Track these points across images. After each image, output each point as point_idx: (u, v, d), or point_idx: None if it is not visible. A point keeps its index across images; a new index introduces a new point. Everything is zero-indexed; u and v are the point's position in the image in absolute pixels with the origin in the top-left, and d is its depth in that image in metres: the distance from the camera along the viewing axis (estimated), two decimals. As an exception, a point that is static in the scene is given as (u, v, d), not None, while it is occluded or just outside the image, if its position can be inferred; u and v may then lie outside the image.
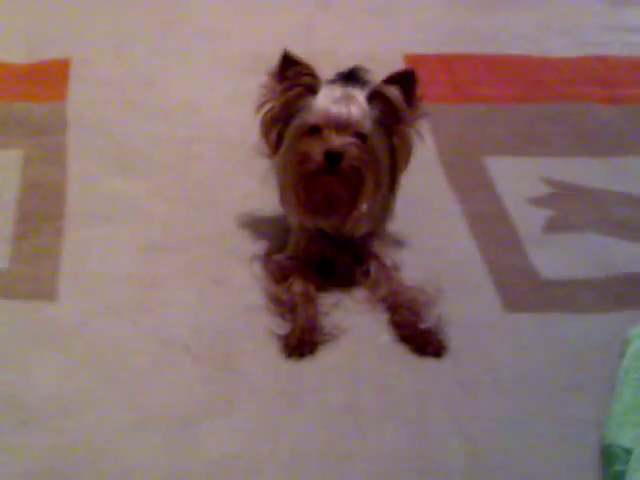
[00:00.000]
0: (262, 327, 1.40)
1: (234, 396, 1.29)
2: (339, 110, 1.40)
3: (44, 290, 1.43)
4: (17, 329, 1.37)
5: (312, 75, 1.44)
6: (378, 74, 1.95)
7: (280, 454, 1.22)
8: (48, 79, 1.95)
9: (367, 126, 1.42)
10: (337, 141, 1.39)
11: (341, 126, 1.40)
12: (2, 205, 1.61)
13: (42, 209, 1.60)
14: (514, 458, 1.25)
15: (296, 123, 1.42)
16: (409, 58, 2.06)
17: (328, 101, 1.42)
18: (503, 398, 1.34)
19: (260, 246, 1.54)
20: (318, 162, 1.39)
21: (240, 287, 1.48)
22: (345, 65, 1.71)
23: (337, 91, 1.44)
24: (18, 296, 1.42)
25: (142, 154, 1.75)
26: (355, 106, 1.42)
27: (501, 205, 1.69)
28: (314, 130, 1.41)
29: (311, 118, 1.41)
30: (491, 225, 1.65)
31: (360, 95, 1.44)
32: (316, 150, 1.39)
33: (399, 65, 2.00)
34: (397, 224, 1.61)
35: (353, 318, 1.44)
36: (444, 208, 1.70)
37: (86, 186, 1.66)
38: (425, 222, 1.66)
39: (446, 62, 2.08)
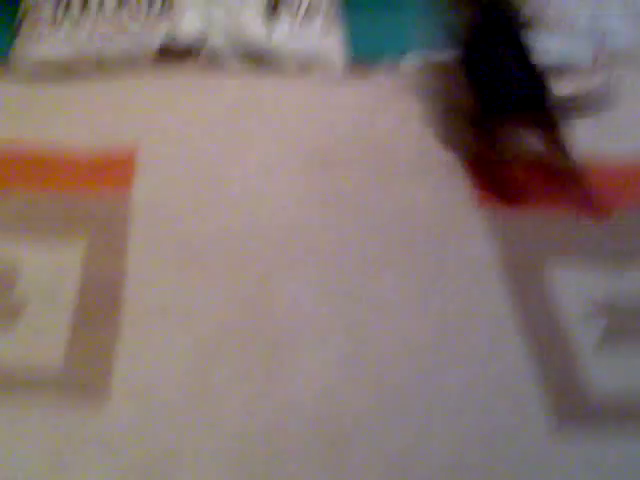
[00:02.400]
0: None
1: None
2: None
3: (97, 391, 1.46)
4: (68, 431, 1.39)
5: None
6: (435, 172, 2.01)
7: None
8: (114, 169, 1.98)
9: None
10: None
11: None
12: (62, 299, 1.64)
13: (100, 304, 1.63)
14: None
15: None
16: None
17: None
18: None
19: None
20: None
21: (291, 400, 1.48)
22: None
23: None
24: (71, 397, 1.45)
25: (201, 249, 1.77)
26: None
27: (557, 315, 1.68)
28: None
29: None
30: (543, 328, 1.65)
31: None
32: None
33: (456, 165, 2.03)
34: (446, 326, 1.63)
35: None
36: (498, 313, 1.70)
37: (145, 281, 1.68)
38: (479, 325, 1.67)
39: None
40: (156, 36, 2.32)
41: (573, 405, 1.52)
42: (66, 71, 2.27)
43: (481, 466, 1.43)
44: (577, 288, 1.76)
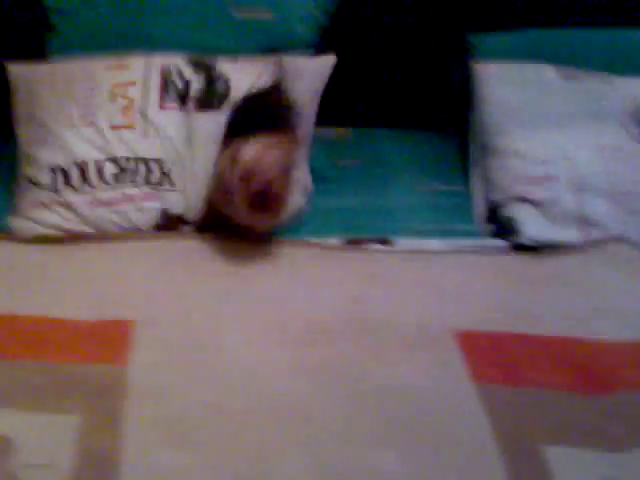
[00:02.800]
0: None
1: None
2: None
3: None
4: None
5: None
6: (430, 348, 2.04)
7: None
8: (110, 340, 1.99)
9: None
10: None
11: None
12: (57, 474, 1.61)
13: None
14: None
15: None
16: (458, 334, 2.09)
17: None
18: None
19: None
20: None
21: None
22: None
23: None
24: None
25: (197, 425, 1.75)
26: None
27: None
28: None
29: None
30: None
31: None
32: None
33: (449, 341, 2.06)
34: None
35: None
36: None
37: (140, 458, 1.66)
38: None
39: (497, 342, 2.09)
40: (157, 209, 2.38)
41: None
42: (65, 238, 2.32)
43: None
44: (575, 469, 1.74)
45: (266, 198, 2.19)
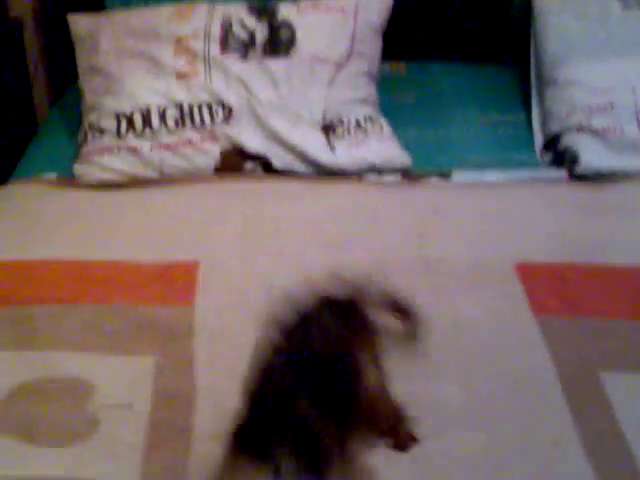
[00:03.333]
0: None
1: None
2: None
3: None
4: None
5: None
6: (490, 282, 2.06)
7: None
8: (176, 282, 2.05)
9: None
10: None
11: None
12: (136, 414, 1.69)
13: (172, 421, 1.68)
14: None
15: None
16: (519, 267, 2.12)
17: None
18: None
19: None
20: None
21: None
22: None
23: None
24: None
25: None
26: None
27: (618, 425, 1.70)
28: None
29: None
30: (607, 446, 1.67)
31: None
32: None
33: (510, 274, 2.09)
34: (508, 436, 1.66)
35: None
36: (558, 425, 1.72)
37: (213, 401, 1.72)
38: (537, 437, 1.68)
39: (557, 272, 2.12)
40: (214, 155, 2.42)
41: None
42: (129, 185, 2.38)
43: None
44: (634, 395, 1.78)
45: None
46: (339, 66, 2.53)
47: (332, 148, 2.45)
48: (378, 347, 1.65)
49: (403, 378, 1.74)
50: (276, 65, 2.49)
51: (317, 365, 1.47)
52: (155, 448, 1.62)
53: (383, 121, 2.54)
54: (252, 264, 2.12)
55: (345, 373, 1.52)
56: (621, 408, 1.74)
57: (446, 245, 2.21)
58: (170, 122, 2.42)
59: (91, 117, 2.48)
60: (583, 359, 1.87)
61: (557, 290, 2.06)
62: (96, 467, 1.59)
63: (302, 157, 2.44)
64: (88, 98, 2.51)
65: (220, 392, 1.73)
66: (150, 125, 2.41)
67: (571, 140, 2.54)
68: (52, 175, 2.46)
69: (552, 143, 2.59)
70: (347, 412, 1.49)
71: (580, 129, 2.54)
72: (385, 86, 2.71)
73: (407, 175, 2.47)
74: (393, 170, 2.46)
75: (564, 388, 1.79)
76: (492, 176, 2.49)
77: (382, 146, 2.48)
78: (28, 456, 1.61)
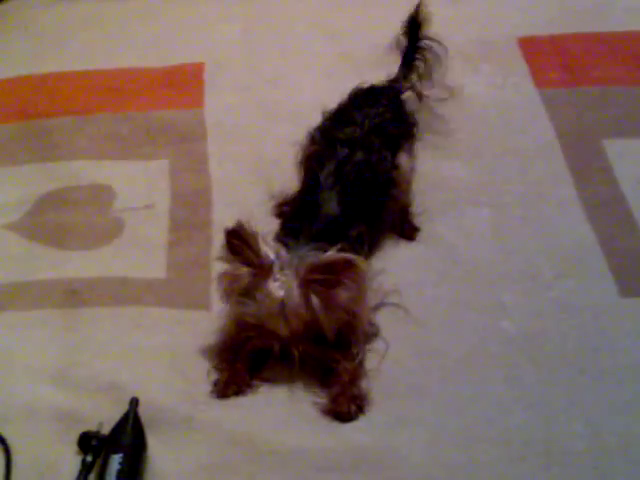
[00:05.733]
0: None
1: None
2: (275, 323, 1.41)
3: (198, 300, 1.60)
4: (176, 337, 1.54)
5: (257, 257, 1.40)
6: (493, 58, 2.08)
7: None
8: (184, 85, 2.09)
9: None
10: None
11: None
12: (157, 214, 1.77)
13: (192, 218, 1.76)
14: (635, 438, 1.37)
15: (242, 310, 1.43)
16: (522, 41, 2.13)
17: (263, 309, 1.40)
18: (623, 382, 1.45)
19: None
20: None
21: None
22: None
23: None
24: (177, 306, 1.59)
25: (274, 160, 1.87)
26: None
27: (618, 188, 1.78)
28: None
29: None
30: (607, 209, 1.74)
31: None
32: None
33: (512, 49, 2.10)
34: (514, 207, 1.75)
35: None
36: (560, 191, 1.79)
37: (229, 193, 1.80)
38: (541, 205, 1.77)
39: (558, 44, 2.14)
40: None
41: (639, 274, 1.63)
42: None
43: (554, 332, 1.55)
44: (632, 158, 1.84)
45: None
46: None
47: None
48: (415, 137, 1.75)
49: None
50: None
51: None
52: (178, 243, 1.71)
53: None
54: (257, 60, 2.15)
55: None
56: (621, 171, 1.81)
57: (448, 24, 2.15)
58: None
59: None
60: (585, 128, 1.93)
61: (559, 62, 2.09)
62: (125, 264, 1.68)
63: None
64: None
65: (235, 185, 1.82)
66: None
67: None
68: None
69: None
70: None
71: None
72: None
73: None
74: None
75: (567, 156, 1.86)
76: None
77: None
78: (60, 260, 1.70)
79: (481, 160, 1.88)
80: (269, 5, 2.31)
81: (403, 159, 1.69)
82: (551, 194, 1.80)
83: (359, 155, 1.61)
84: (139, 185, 1.85)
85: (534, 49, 2.12)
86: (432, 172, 1.83)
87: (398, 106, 1.77)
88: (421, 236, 1.72)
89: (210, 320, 1.55)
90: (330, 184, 1.58)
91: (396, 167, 1.67)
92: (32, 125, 1.99)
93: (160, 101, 2.05)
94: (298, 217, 1.58)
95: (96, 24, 2.28)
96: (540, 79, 2.04)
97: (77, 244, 1.73)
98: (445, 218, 1.75)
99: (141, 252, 1.71)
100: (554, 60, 2.09)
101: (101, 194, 1.83)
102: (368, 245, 1.58)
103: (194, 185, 1.84)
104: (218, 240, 1.59)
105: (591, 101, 1.99)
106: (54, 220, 1.78)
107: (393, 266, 1.64)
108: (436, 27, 2.14)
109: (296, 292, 1.39)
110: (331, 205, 1.55)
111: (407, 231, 1.72)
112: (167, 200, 1.80)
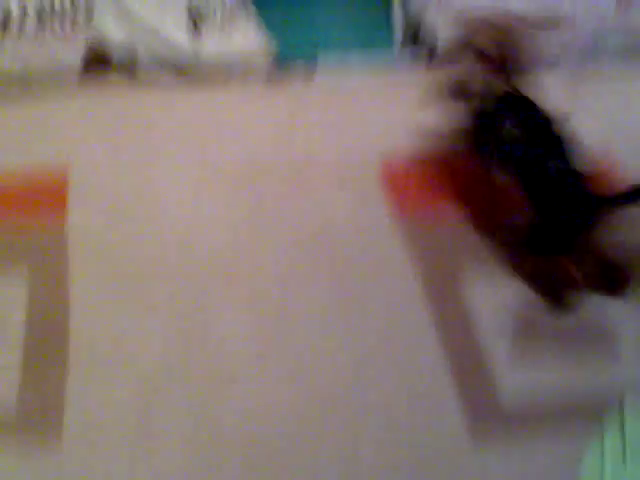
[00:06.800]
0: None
1: None
2: None
3: (49, 428, 1.58)
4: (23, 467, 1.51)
5: None
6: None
7: None
8: (48, 195, 2.04)
9: None
10: None
11: None
12: (11, 333, 1.73)
13: (48, 338, 1.72)
14: None
15: None
16: (381, 166, 2.19)
17: None
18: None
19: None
20: None
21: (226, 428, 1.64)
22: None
23: None
24: (26, 439, 1.56)
25: (139, 278, 1.86)
26: None
27: (474, 327, 1.83)
28: None
29: None
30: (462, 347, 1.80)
31: None
32: None
33: (372, 175, 2.16)
34: (368, 340, 1.78)
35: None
36: (418, 328, 1.83)
37: (88, 313, 1.78)
38: (398, 341, 1.81)
39: (416, 167, 2.19)
40: (79, 48, 2.37)
41: (488, 417, 1.70)
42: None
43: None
44: (492, 299, 1.90)
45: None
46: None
47: (199, 34, 2.43)
48: None
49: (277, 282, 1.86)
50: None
51: None
52: (32, 369, 1.68)
53: (250, 6, 2.53)
54: (124, 170, 2.12)
55: None
56: (478, 307, 1.88)
57: (313, 144, 2.25)
58: (29, 27, 2.34)
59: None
60: (442, 263, 1.98)
61: (418, 188, 2.14)
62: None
63: (167, 45, 2.41)
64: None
65: (93, 309, 1.79)
66: (8, 31, 2.33)
67: (427, 19, 2.58)
68: None
69: (412, 22, 2.63)
70: None
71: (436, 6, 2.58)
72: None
73: (275, 64, 2.47)
74: (260, 57, 2.47)
75: (425, 294, 1.91)
76: (355, 59, 2.53)
77: (249, 34, 2.48)
78: None
79: (341, 284, 1.91)
80: (137, 114, 2.29)
81: None
82: (409, 330, 1.84)
83: None
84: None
85: (392, 174, 2.17)
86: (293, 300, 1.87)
87: None
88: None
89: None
90: None
91: None
92: None
93: (21, 211, 2.00)
94: None
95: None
96: (398, 208, 2.09)
97: None
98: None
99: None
100: (412, 186, 2.15)
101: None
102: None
103: (53, 303, 1.80)
104: (73, 366, 1.66)
105: (451, 236, 2.03)
106: None
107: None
108: (301, 148, 2.23)
109: None
110: None
111: None
112: (24, 317, 1.76)
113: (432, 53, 2.56)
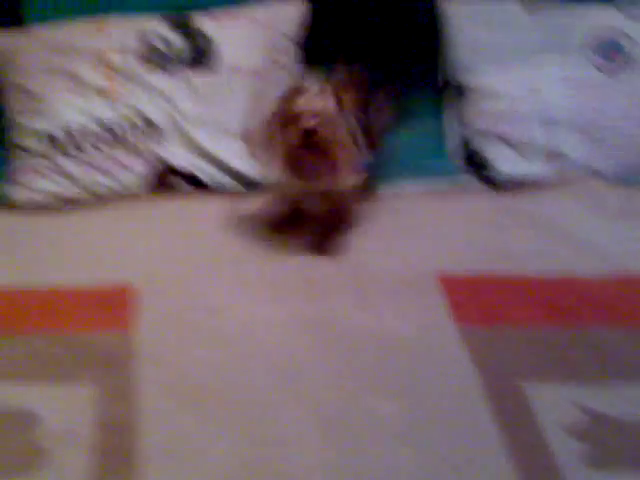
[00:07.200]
0: None
1: None
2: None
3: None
4: None
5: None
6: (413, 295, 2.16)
7: None
8: (113, 308, 2.08)
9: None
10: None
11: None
12: (80, 443, 1.73)
13: (117, 450, 1.72)
14: None
15: None
16: (441, 278, 2.22)
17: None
18: None
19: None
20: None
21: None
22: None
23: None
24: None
25: (202, 387, 1.87)
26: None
27: (541, 435, 1.80)
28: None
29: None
30: (532, 456, 1.76)
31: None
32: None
33: (432, 285, 2.19)
34: (435, 457, 1.74)
35: None
36: (484, 436, 1.80)
37: (156, 423, 1.77)
38: (464, 450, 1.77)
39: (475, 282, 2.22)
40: (143, 169, 2.45)
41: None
42: (61, 205, 2.42)
43: None
44: (558, 405, 1.87)
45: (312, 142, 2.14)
46: (258, 76, 2.59)
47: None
48: None
49: (335, 389, 1.88)
50: (197, 77, 2.53)
51: None
52: (101, 475, 1.67)
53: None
54: (188, 282, 2.17)
55: None
56: (543, 416, 1.85)
57: (370, 258, 2.29)
58: (94, 140, 2.44)
59: (15, 136, 2.49)
60: (504, 369, 1.97)
61: (478, 300, 2.17)
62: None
63: (228, 171, 2.49)
64: (10, 116, 2.51)
65: (164, 419, 1.79)
66: (74, 144, 2.43)
67: (484, 147, 2.65)
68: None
69: (466, 150, 2.70)
70: None
71: (492, 135, 2.65)
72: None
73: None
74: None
75: (488, 398, 1.89)
76: (409, 187, 2.59)
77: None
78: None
79: (405, 395, 1.89)
80: (201, 226, 2.36)
81: None
82: (475, 438, 1.80)
83: None
84: (62, 411, 1.80)
85: (452, 286, 2.19)
86: (354, 408, 1.85)
87: None
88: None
89: None
90: None
91: None
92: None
93: (86, 322, 2.05)
94: None
95: (25, 240, 2.30)
96: (459, 316, 2.10)
97: (-3, 471, 1.67)
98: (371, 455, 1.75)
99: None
100: (472, 298, 2.17)
101: (22, 418, 1.78)
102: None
103: (121, 414, 1.80)
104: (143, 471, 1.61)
105: (509, 342, 2.04)
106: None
107: None
108: (356, 258, 2.26)
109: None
110: None
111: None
112: (91, 428, 1.76)
113: (484, 178, 2.61)
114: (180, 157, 2.49)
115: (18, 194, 2.43)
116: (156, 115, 2.48)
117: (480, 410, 1.87)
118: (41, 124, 2.45)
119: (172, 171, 2.49)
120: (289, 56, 2.68)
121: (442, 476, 1.72)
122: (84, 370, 1.91)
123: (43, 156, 2.44)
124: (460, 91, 2.76)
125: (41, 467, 1.69)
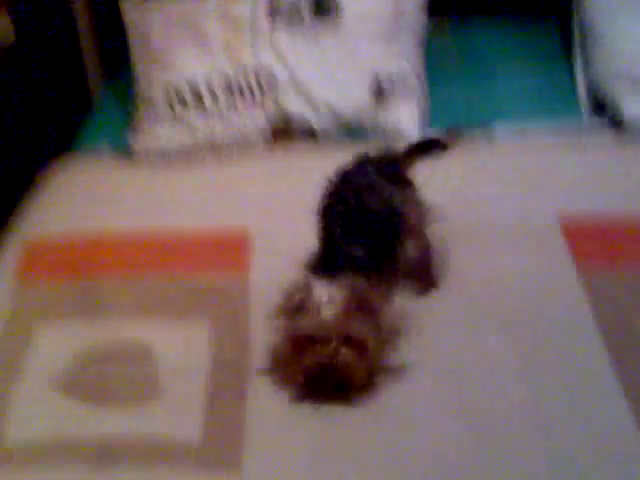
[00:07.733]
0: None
1: None
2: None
3: (232, 466, 1.62)
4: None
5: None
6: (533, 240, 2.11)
7: None
8: (230, 252, 2.14)
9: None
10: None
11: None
12: (194, 376, 1.80)
13: (230, 383, 1.78)
14: None
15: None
16: (562, 220, 2.16)
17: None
18: None
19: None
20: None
21: None
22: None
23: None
24: (210, 470, 1.62)
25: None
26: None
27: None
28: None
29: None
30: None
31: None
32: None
33: (553, 229, 2.14)
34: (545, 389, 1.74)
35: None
36: (598, 377, 1.77)
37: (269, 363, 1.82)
38: (576, 390, 1.75)
39: (601, 226, 2.15)
40: (264, 121, 2.50)
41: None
42: (182, 158, 2.48)
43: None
44: None
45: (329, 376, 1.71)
46: (385, 26, 2.57)
47: (383, 109, 2.51)
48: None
49: (451, 331, 1.86)
50: (323, 29, 2.53)
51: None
52: (215, 408, 1.73)
53: (424, 80, 2.61)
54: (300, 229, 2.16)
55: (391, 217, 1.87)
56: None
57: (490, 203, 2.26)
58: (218, 92, 2.49)
59: (142, 90, 2.57)
60: (624, 313, 1.91)
61: (601, 245, 2.10)
62: (160, 425, 1.71)
63: (344, 122, 2.51)
64: (139, 71, 2.59)
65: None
66: (199, 96, 2.49)
67: (614, 89, 2.56)
68: (108, 147, 2.57)
69: (595, 92, 2.61)
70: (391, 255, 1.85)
71: (621, 77, 2.56)
72: (429, 42, 2.73)
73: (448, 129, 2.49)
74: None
75: (605, 341, 1.85)
76: (534, 125, 2.53)
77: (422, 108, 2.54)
78: (97, 416, 1.73)
79: (519, 336, 1.88)
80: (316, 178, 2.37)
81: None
82: (587, 380, 1.78)
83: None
84: (180, 349, 1.88)
85: (576, 230, 2.14)
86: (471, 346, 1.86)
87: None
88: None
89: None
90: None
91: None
92: (81, 282, 2.06)
93: (204, 263, 2.11)
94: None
95: (147, 188, 2.39)
96: (580, 260, 2.05)
97: (115, 402, 1.76)
98: (483, 393, 1.76)
99: (177, 413, 1.73)
100: (596, 243, 2.10)
101: (142, 352, 1.86)
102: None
103: (234, 351, 1.86)
104: (253, 402, 1.70)
105: (631, 287, 1.98)
106: (94, 377, 1.82)
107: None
108: (477, 205, 2.23)
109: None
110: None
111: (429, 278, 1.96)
112: (207, 365, 1.82)
113: (615, 120, 2.52)
114: (301, 111, 2.50)
115: (142, 142, 2.51)
116: (277, 67, 2.50)
117: (596, 350, 1.83)
118: (165, 76, 2.52)
119: (289, 122, 2.50)
120: (417, 5, 2.64)
121: (556, 414, 1.71)
122: (202, 309, 1.97)
123: (166, 106, 2.50)
124: (591, 34, 2.66)
125: (157, 398, 1.77)
